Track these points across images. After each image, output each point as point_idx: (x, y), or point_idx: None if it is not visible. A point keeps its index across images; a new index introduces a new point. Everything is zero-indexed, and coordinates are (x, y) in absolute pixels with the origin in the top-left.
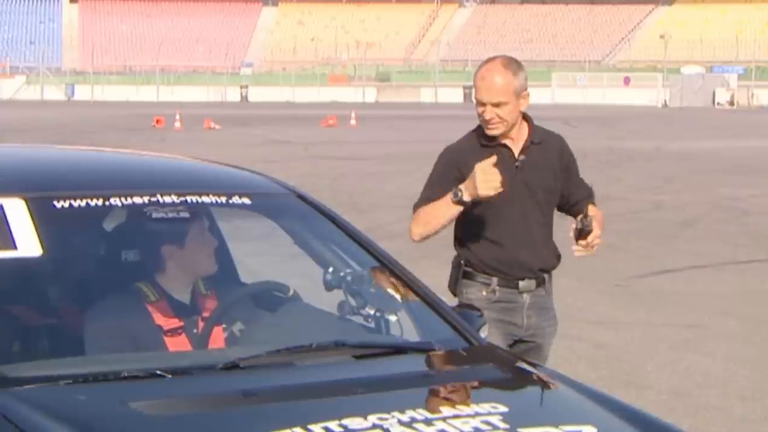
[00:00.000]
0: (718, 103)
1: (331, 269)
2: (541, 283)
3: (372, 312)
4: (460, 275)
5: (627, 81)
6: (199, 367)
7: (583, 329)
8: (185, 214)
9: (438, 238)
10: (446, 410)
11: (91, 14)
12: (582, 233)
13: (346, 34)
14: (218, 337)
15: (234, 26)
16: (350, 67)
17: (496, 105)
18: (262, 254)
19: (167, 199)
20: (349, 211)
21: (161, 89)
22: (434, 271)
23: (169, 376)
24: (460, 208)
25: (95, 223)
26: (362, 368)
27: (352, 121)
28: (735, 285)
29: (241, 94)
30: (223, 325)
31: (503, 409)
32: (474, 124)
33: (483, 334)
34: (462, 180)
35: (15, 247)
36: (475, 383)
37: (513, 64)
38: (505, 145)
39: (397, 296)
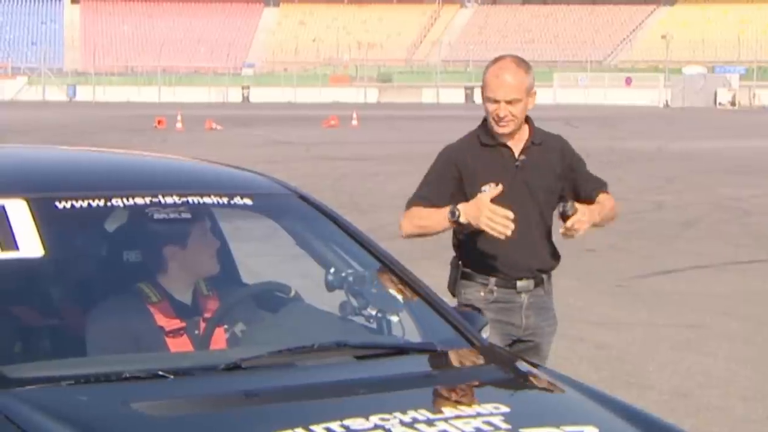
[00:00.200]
0: (719, 104)
1: (332, 270)
2: (539, 283)
3: (374, 312)
4: (458, 275)
5: (628, 81)
6: (201, 368)
7: (585, 330)
8: (187, 215)
9: (439, 239)
10: (448, 411)
11: (92, 15)
12: (563, 216)
13: (348, 35)
14: (220, 338)
15: (236, 27)
16: (352, 68)
17: (510, 102)
18: (264, 255)
19: (169, 199)
20: (350, 211)
21: (163, 90)
22: (435, 272)
23: (171, 376)
24: (454, 226)
25: (97, 223)
26: (364, 369)
27: (354, 122)
28: (736, 285)
29: (243, 94)
30: (225, 326)
31: (505, 409)
32: (475, 124)
33: (485, 334)
34: (459, 180)
35: (17, 248)
36: (477, 384)
37: (524, 63)
38: (505, 145)
39: (399, 297)
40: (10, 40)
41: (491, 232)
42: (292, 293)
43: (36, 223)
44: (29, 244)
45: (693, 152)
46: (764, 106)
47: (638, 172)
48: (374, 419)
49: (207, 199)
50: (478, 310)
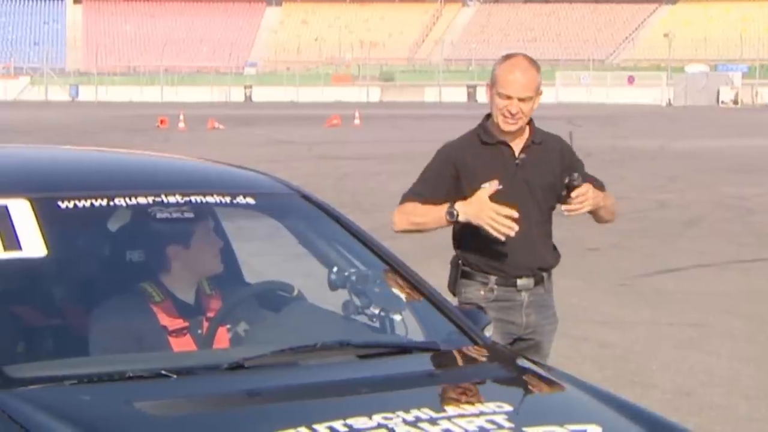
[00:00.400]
0: (722, 102)
1: (335, 269)
2: (539, 281)
3: (376, 311)
4: (458, 274)
5: (631, 80)
6: (204, 367)
7: (588, 329)
8: (190, 215)
9: (441, 239)
10: (451, 409)
11: (94, 15)
12: (570, 187)
13: (350, 34)
14: (223, 337)
15: (238, 26)
16: (354, 67)
17: (522, 100)
18: (267, 254)
19: (171, 199)
20: (352, 210)
21: (165, 89)
22: (439, 271)
23: (174, 376)
24: (451, 225)
25: (100, 223)
26: (367, 368)
27: (356, 121)
28: (739, 284)
29: (245, 94)
30: (228, 325)
31: (508, 408)
32: (478, 123)
33: (488, 333)
34: (456, 178)
35: (20, 248)
36: (480, 382)
37: (534, 62)
38: (506, 144)
39: (402, 295)
40: (12, 40)
41: (493, 233)
42: (295, 292)
43: (39, 223)
44: (32, 244)
45: (696, 151)
46: (767, 105)
47: (641, 170)
48: (377, 418)
49: (210, 199)
50: (482, 308)
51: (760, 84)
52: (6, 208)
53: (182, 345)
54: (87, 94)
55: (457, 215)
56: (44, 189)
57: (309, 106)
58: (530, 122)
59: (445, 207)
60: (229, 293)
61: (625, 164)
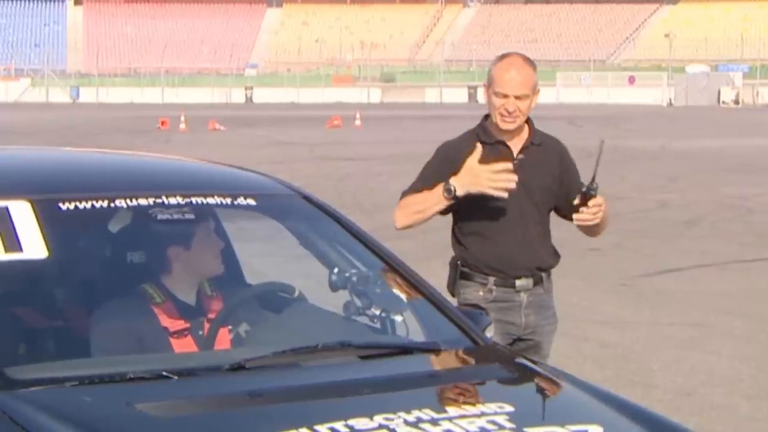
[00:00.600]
0: (723, 102)
1: (336, 270)
2: (538, 281)
3: (377, 312)
4: (457, 275)
5: (632, 80)
6: (205, 368)
7: (589, 329)
8: (190, 216)
9: (441, 239)
10: (452, 410)
11: (95, 16)
12: (586, 197)
13: (351, 35)
14: (224, 339)
15: (238, 27)
16: (355, 68)
17: (519, 98)
18: (268, 255)
19: (172, 200)
20: (353, 211)
21: (166, 91)
22: (440, 272)
23: (175, 377)
24: (451, 202)
25: (101, 224)
26: (368, 368)
27: (357, 122)
28: (740, 284)
29: (246, 95)
30: (229, 327)
31: (509, 408)
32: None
33: (489, 333)
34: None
35: (21, 249)
36: (481, 383)
37: (530, 61)
38: (504, 144)
39: (403, 296)
40: (13, 42)
41: (496, 192)
42: (296, 293)
43: (40, 225)
44: (33, 246)
45: (696, 151)
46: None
47: (641, 170)
48: (378, 419)
49: (210, 200)
50: (483, 309)
51: (761, 84)
52: (7, 209)
53: (183, 346)
54: (88, 95)
55: (455, 190)
56: (45, 190)
57: (310, 107)
58: (530, 123)
59: (441, 187)
60: (230, 294)
61: (625, 164)
